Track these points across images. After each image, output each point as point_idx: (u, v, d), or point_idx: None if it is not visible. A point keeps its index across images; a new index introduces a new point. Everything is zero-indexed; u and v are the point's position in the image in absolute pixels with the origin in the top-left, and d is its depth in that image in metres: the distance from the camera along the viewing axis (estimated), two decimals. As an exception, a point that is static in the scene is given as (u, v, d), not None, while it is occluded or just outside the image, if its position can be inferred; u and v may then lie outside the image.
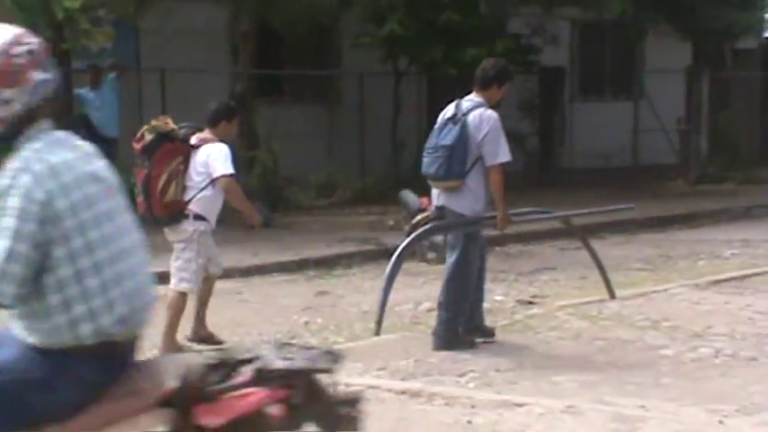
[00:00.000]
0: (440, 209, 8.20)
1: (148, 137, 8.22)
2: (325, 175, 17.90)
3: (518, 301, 10.11)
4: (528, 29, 19.32)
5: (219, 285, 11.75)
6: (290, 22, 16.77)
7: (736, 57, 23.04)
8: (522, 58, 19.10)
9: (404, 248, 8.24)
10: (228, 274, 12.19)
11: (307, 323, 9.53)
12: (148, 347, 8.77)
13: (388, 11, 17.64)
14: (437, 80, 19.13)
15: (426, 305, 10.00)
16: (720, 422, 6.12)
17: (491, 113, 8.07)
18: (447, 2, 17.51)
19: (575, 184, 19.60)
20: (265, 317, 9.84)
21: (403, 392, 6.99)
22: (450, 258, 8.15)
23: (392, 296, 10.55)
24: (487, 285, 10.94)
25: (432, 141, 8.12)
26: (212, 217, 8.37)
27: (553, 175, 20.67)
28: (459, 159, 7.95)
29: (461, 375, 7.41)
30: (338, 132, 19.37)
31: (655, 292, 10.33)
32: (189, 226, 8.25)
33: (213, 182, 8.21)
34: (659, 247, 13.23)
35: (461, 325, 8.17)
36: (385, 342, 8.67)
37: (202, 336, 8.56)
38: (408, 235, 8.57)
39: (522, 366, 7.63)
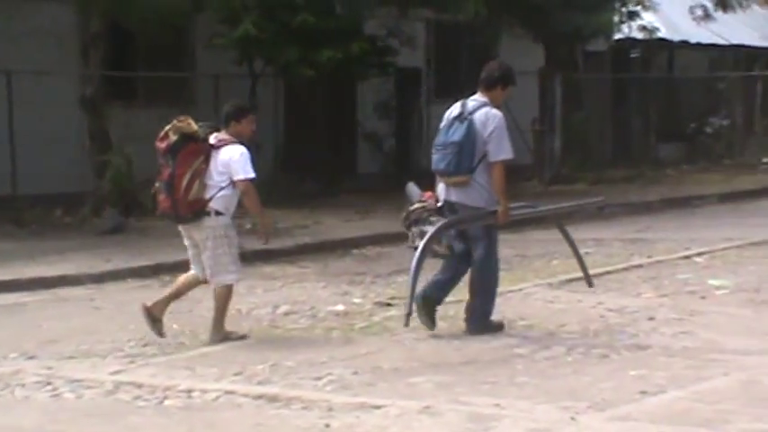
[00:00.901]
0: (451, 204, 8.62)
1: (173, 137, 8.60)
2: (181, 178, 17.68)
3: (376, 303, 10.18)
4: (384, 30, 19.44)
5: (70, 293, 11.61)
6: (143, 22, 16.54)
7: (587, 59, 23.60)
8: (378, 59, 19.22)
9: (428, 240, 8.53)
10: (80, 280, 12.02)
11: (162, 329, 9.40)
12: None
13: (242, 12, 17.55)
14: (294, 82, 19.11)
15: (284, 308, 10.00)
16: (572, 419, 6.26)
17: (497, 112, 8.57)
18: (302, 3, 17.51)
19: (433, 185, 19.78)
20: (119, 324, 9.69)
21: (259, 397, 6.98)
22: (478, 251, 8.64)
23: (250, 299, 10.57)
24: (346, 288, 11.06)
25: (440, 139, 8.63)
26: (229, 214, 8.74)
27: (411, 177, 20.79)
28: (467, 155, 8.45)
29: (318, 379, 7.42)
30: (193, 135, 19.17)
31: (510, 291, 10.49)
32: (212, 222, 8.63)
33: (233, 182, 8.61)
34: (515, 247, 13.46)
35: (490, 311, 8.72)
36: (241, 346, 8.64)
37: (159, 327, 8.77)
38: (403, 224, 8.88)
39: (379, 368, 7.68)
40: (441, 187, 8.74)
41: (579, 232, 15.06)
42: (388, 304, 10.10)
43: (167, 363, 8.16)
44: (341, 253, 13.70)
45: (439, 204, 8.72)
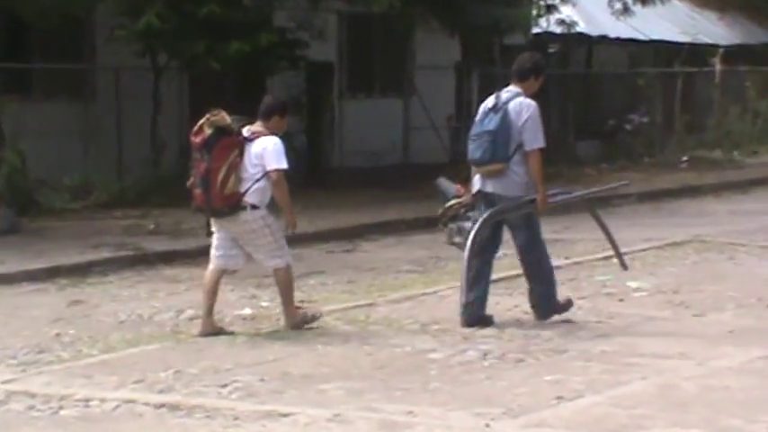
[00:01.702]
0: (487, 195, 9.11)
1: (208, 131, 8.93)
2: (80, 176, 17.51)
3: (285, 307, 10.13)
4: (293, 22, 19.39)
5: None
6: (40, 12, 16.29)
7: (504, 53, 23.75)
8: (288, 52, 19.16)
9: (476, 233, 9.00)
10: (-29, 284, 11.82)
11: (58, 335, 9.30)
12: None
13: (145, 3, 17.37)
14: (199, 76, 18.98)
15: (189, 313, 9.92)
16: (487, 425, 6.31)
17: (530, 102, 9.08)
18: (208, -7, 17.38)
19: (345, 183, 19.82)
20: (12, 330, 9.54)
21: (161, 406, 6.93)
22: (520, 238, 9.22)
23: (152, 304, 10.49)
24: (254, 291, 11.03)
25: (476, 129, 9.16)
26: (264, 206, 9.11)
27: (323, 175, 20.82)
28: (502, 144, 8.96)
29: (224, 386, 7.39)
30: (94, 131, 18.96)
31: (425, 294, 10.57)
32: (249, 216, 8.99)
33: (267, 174, 8.98)
34: (430, 248, 13.53)
35: (553, 293, 9.27)
36: (143, 353, 8.56)
37: (213, 330, 9.06)
38: (440, 220, 9.46)
39: (287, 375, 7.67)
40: (476, 178, 9.20)
41: (496, 233, 15.21)
42: (298, 308, 10.08)
43: (64, 371, 8.05)
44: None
45: (473, 193, 9.20)
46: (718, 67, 27.46)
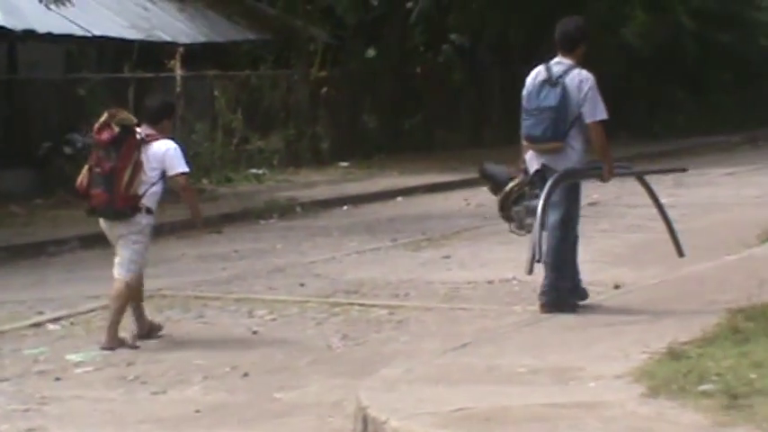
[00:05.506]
0: (540, 170, 10.84)
1: (116, 128, 10.99)
2: None
3: None
4: None
5: None
6: None
7: None
8: None
9: (543, 209, 10.56)
10: None
11: None
12: None
13: None
14: None
15: None
16: None
17: (588, 73, 10.91)
18: None
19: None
20: None
21: None
22: (555, 217, 10.84)
23: None
24: None
25: (532, 103, 10.90)
26: (153, 212, 11.34)
27: None
28: (562, 120, 10.78)
29: None
30: None
31: None
32: (143, 219, 11.20)
33: (162, 178, 11.17)
34: None
35: (568, 285, 10.94)
36: None
37: (149, 329, 11.40)
38: (500, 207, 11.10)
39: None
40: (530, 156, 10.97)
41: None
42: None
43: None
44: None
45: (532, 173, 10.86)
46: (178, 71, 27.98)
